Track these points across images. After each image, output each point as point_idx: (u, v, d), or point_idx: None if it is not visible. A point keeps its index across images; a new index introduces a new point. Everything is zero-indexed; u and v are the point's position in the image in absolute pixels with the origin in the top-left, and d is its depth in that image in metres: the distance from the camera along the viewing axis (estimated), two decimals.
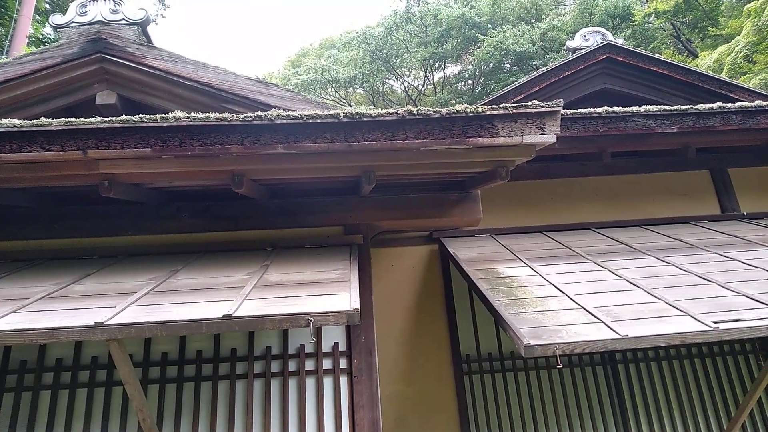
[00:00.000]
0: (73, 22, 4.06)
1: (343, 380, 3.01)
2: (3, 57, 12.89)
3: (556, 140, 2.50)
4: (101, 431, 2.88)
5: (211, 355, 3.07)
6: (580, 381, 4.00)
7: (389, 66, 23.15)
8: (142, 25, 4.09)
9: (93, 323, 1.88)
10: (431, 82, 24.58)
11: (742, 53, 10.65)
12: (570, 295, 2.88)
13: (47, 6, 16.46)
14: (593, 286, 3.03)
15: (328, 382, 3.01)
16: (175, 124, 2.43)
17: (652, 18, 17.01)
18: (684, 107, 3.84)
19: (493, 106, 2.49)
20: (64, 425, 2.88)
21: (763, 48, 11.07)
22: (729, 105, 3.84)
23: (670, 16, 16.25)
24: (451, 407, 3.86)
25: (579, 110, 3.78)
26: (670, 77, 5.90)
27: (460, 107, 2.48)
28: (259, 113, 2.46)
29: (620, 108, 3.83)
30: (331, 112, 2.47)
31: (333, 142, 2.47)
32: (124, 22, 4.05)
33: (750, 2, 11.35)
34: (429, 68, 23.71)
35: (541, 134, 2.48)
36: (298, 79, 23.05)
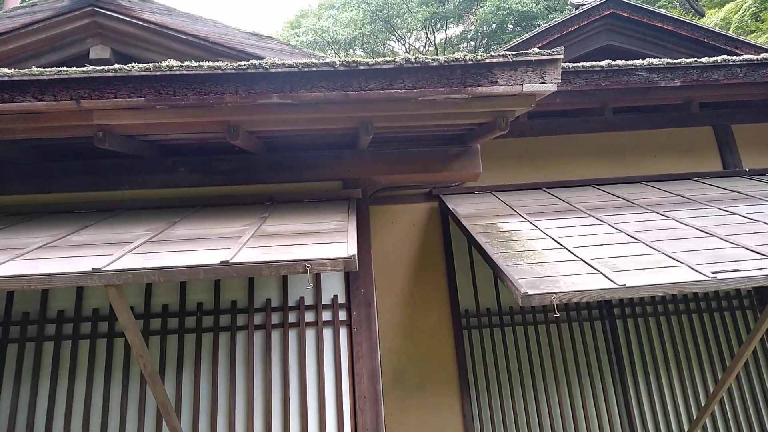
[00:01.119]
0: None
1: (343, 331, 3.04)
2: None
3: (556, 89, 2.46)
4: (104, 381, 2.93)
5: (211, 307, 3.10)
6: (578, 335, 4.04)
7: (390, 26, 22.78)
8: None
9: (90, 269, 1.88)
10: (433, 43, 24.19)
11: (749, 11, 10.43)
12: (569, 248, 2.88)
13: None
14: (592, 239, 3.02)
15: (327, 334, 3.04)
16: (168, 72, 2.39)
17: None
18: (688, 60, 3.76)
19: (492, 54, 2.44)
20: (68, 376, 2.93)
21: None
22: (734, 58, 3.78)
23: None
24: (450, 361, 3.91)
25: (581, 63, 3.72)
26: (675, 33, 5.81)
27: (458, 55, 2.43)
28: (254, 62, 2.41)
29: (623, 61, 3.76)
30: (327, 60, 2.42)
31: (329, 92, 2.43)
32: None
33: None
34: (430, 29, 23.32)
35: (542, 83, 2.44)
36: (297, 41, 22.73)
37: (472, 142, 3.28)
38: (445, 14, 21.50)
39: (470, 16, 21.98)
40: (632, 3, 6.05)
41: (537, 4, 18.23)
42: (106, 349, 2.99)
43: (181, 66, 2.41)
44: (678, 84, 3.76)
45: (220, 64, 2.41)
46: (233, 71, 2.39)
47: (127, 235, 2.47)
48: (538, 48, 5.89)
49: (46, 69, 2.40)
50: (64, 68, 2.41)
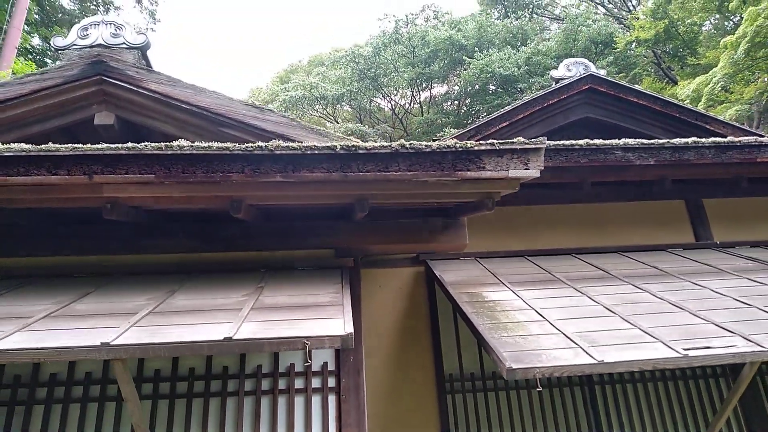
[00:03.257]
0: (74, 44, 4.16)
1: (331, 399, 3.12)
2: None
3: (539, 174, 2.66)
4: None
5: (203, 373, 3.16)
6: (559, 401, 4.14)
7: (377, 84, 23.45)
8: (142, 49, 4.20)
9: (99, 343, 1.97)
10: (418, 101, 24.91)
11: (719, 84, 11.04)
12: (550, 320, 3.02)
13: (37, 17, 16.51)
14: (572, 311, 3.18)
15: (316, 401, 3.11)
16: (179, 152, 2.55)
17: (633, 45, 17.50)
18: (661, 141, 4.04)
19: (481, 142, 2.65)
20: None
21: (739, 79, 11.50)
22: (703, 140, 4.05)
23: (650, 45, 16.74)
24: (434, 425, 3.96)
25: (561, 142, 3.96)
26: (649, 108, 6.16)
27: (450, 142, 2.64)
28: (260, 144, 2.59)
29: (600, 140, 4.02)
30: (328, 144, 2.61)
31: (329, 172, 2.60)
32: (124, 45, 4.16)
33: (726, 36, 11.81)
34: (416, 88, 24.05)
35: (526, 169, 2.64)
36: (287, 95, 23.26)
37: (459, 216, 3.46)
38: (431, 75, 22.24)
39: (454, 77, 22.78)
40: (609, 79, 6.42)
41: (518, 69, 18.95)
42: (96, 414, 3.02)
43: (191, 146, 2.57)
44: (652, 162, 4.02)
45: (228, 144, 2.58)
46: (240, 152, 2.56)
47: (130, 305, 2.57)
48: (521, 116, 6.24)
49: (61, 146, 2.55)
50: (79, 145, 2.56)
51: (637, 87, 6.68)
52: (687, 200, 4.87)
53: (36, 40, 17.27)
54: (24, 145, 2.53)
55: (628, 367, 2.54)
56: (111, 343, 1.98)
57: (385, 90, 24.16)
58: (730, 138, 4.12)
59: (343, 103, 24.66)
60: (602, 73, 6.58)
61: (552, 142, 3.96)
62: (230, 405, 3.09)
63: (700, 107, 11.86)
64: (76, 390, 3.07)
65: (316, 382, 3.17)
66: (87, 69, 4.08)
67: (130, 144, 2.56)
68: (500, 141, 2.64)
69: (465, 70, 20.38)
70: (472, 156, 2.63)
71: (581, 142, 3.97)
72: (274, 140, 2.66)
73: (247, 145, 2.58)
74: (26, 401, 3.01)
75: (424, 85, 23.81)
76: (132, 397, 2.12)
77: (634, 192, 4.79)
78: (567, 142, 3.98)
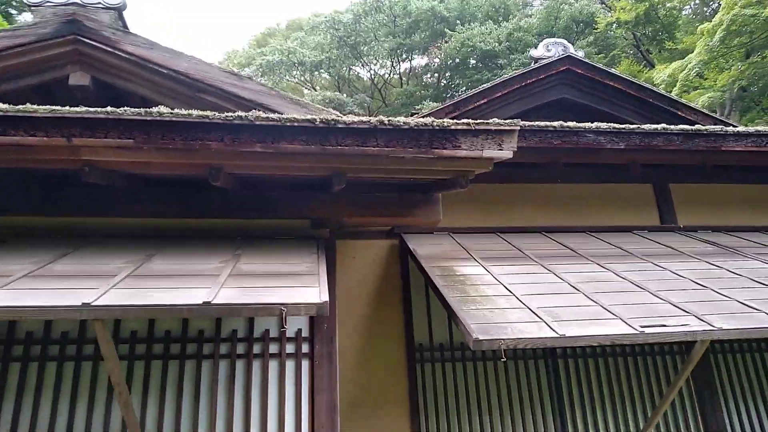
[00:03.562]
0: (48, 1, 4.07)
1: (305, 364, 3.21)
2: None
3: (512, 155, 2.75)
4: (69, 404, 3.00)
5: (179, 335, 3.22)
6: (523, 372, 4.33)
7: (356, 53, 23.24)
8: (118, 10, 4.13)
9: (80, 303, 2.02)
10: (398, 72, 24.78)
11: (694, 70, 11.26)
12: (517, 295, 3.16)
13: None
14: (539, 288, 3.32)
15: (290, 366, 3.21)
16: (158, 118, 2.56)
17: (614, 27, 17.63)
18: (632, 126, 4.17)
19: (457, 121, 2.72)
20: (32, 399, 2.99)
21: (713, 66, 11.73)
22: (671, 127, 4.19)
23: (630, 27, 16.88)
24: (403, 394, 4.12)
25: (536, 123, 4.06)
26: (623, 92, 6.28)
27: (427, 120, 2.70)
28: (240, 113, 2.62)
29: (573, 123, 4.13)
30: (308, 116, 2.65)
31: (308, 145, 2.65)
32: (100, 5, 4.08)
33: (705, 21, 11.99)
34: (396, 58, 23.91)
35: (499, 150, 2.73)
36: (263, 60, 22.88)
37: (434, 192, 3.54)
38: (411, 46, 22.12)
39: (435, 49, 22.68)
40: (586, 61, 6.52)
41: (499, 44, 18.98)
42: (72, 373, 3.07)
43: (171, 113, 2.58)
44: (622, 147, 4.15)
45: (208, 113, 2.60)
46: (220, 121, 2.58)
47: (108, 267, 2.61)
48: (499, 94, 6.30)
49: (40, 107, 2.54)
50: (58, 107, 2.55)
51: (613, 70, 6.80)
52: (654, 184, 5.04)
53: None
54: (1, 105, 2.52)
55: (588, 342, 2.68)
56: (92, 304, 2.03)
57: (364, 59, 23.96)
58: (697, 126, 4.28)
59: (322, 71, 24.39)
60: (580, 54, 6.67)
61: (527, 123, 4.06)
62: (205, 367, 3.16)
63: (675, 92, 12.11)
64: (52, 349, 3.10)
65: (290, 348, 3.26)
66: (61, 28, 4.00)
67: (109, 108, 2.56)
68: (476, 121, 2.72)
69: (446, 42, 20.33)
70: (449, 135, 2.69)
71: (555, 123, 4.07)
72: (254, 110, 2.69)
73: (227, 114, 2.61)
74: (2, 359, 3.04)
75: (404, 56, 23.68)
76: (111, 357, 2.18)
77: (605, 174, 4.93)
78: (541, 123, 4.08)
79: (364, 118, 2.68)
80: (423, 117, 5.74)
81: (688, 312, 2.95)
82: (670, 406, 4.37)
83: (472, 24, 20.04)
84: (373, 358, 4.18)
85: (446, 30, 20.11)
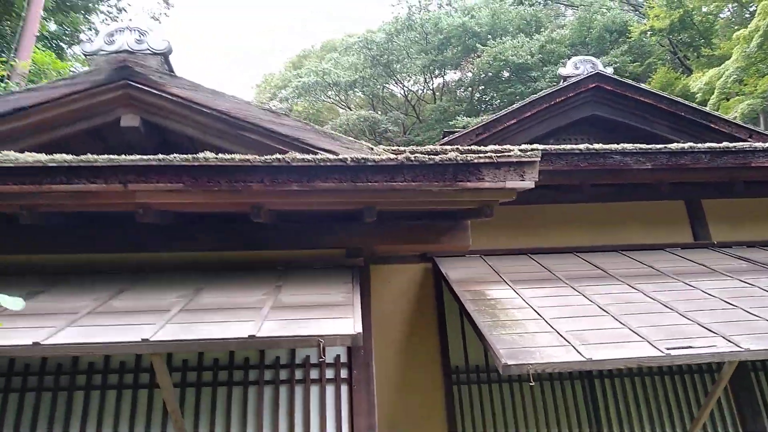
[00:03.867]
0: (101, 50, 4.40)
1: (344, 389, 3.38)
2: (12, 54, 13.21)
3: (534, 185, 2.89)
4: (129, 429, 3.24)
5: (227, 363, 3.43)
6: (560, 393, 4.37)
7: (389, 71, 23.55)
8: (164, 55, 4.43)
9: (140, 339, 2.24)
10: (431, 87, 24.98)
11: (732, 77, 11.09)
12: (546, 318, 3.26)
13: (52, 4, 16.65)
14: (568, 310, 3.40)
15: (330, 391, 3.38)
16: (204, 163, 2.81)
17: (648, 34, 17.44)
18: (658, 146, 4.22)
19: (480, 154, 2.87)
20: (96, 423, 3.23)
21: (752, 72, 11.52)
22: (699, 145, 4.23)
23: (665, 34, 16.68)
24: (440, 416, 4.22)
25: (561, 147, 4.17)
26: (655, 107, 6.30)
27: (452, 155, 2.86)
28: (278, 156, 2.84)
29: (600, 145, 4.22)
30: (340, 156, 2.85)
31: (341, 182, 2.85)
32: (148, 51, 4.39)
33: (744, 25, 11.80)
34: (429, 74, 24.12)
35: (521, 180, 2.87)
36: (299, 81, 23.47)
37: (463, 219, 3.68)
38: (443, 62, 22.31)
39: (468, 64, 22.78)
40: (615, 77, 6.57)
41: (532, 57, 18.98)
42: (131, 400, 3.31)
43: (215, 158, 2.82)
44: (649, 167, 4.21)
45: (248, 156, 2.83)
46: (260, 163, 2.81)
47: (162, 302, 2.84)
48: (529, 114, 6.40)
49: (99, 156, 2.81)
50: (115, 156, 2.82)
51: (643, 86, 6.83)
52: (686, 200, 5.04)
53: (52, 26, 17.50)
54: (66, 156, 2.80)
55: (615, 365, 2.78)
56: (150, 339, 2.25)
57: (397, 76, 24.25)
58: (725, 144, 4.29)
59: (356, 90, 24.78)
60: (609, 71, 6.73)
61: (552, 147, 4.17)
62: (251, 393, 3.36)
63: (713, 100, 11.93)
64: (112, 378, 3.35)
65: (329, 373, 3.43)
66: (113, 74, 4.31)
67: (160, 155, 2.82)
68: (498, 153, 2.86)
69: (478, 57, 20.42)
70: (472, 168, 2.85)
71: (581, 146, 4.17)
72: (290, 152, 2.90)
73: (266, 157, 2.83)
74: (68, 388, 3.30)
75: (437, 72, 23.87)
76: (167, 387, 2.39)
77: (635, 193, 4.96)
78: (567, 147, 4.18)
79: (392, 156, 2.86)
80: (451, 141, 5.92)
81: (716, 333, 2.99)
82: (711, 425, 4.34)
83: (503, 38, 20.11)
84: (410, 380, 4.31)
85: (478, 45, 20.23)
